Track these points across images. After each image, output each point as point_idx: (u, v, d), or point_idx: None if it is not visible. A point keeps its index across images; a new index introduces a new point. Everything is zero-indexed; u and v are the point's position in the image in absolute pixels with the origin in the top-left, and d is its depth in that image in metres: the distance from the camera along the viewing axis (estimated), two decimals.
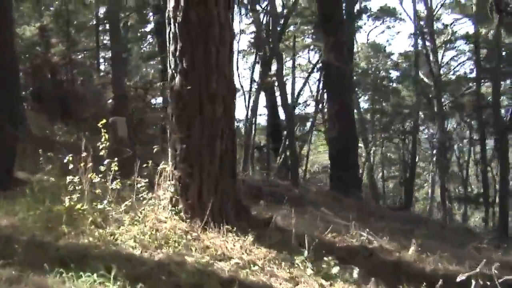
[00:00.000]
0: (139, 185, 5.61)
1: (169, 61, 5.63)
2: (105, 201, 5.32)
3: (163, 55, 17.47)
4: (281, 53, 16.21)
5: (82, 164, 5.42)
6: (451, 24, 24.47)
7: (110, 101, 17.17)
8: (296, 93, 20.87)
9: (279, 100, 18.22)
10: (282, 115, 18.89)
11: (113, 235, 5.08)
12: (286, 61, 22.78)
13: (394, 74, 25.79)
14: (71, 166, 5.44)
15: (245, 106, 19.66)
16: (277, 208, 8.20)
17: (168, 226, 5.31)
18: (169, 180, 5.74)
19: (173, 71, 5.56)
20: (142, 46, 21.77)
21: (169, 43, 5.61)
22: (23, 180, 8.35)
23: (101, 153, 5.49)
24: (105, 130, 5.51)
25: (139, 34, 21.31)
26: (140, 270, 4.45)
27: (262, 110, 24.45)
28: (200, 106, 5.48)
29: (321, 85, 19.81)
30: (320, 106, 19.63)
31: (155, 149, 6.12)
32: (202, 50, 5.43)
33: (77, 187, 5.40)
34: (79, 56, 20.85)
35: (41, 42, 17.75)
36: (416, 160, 26.65)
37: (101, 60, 21.61)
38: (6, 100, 8.43)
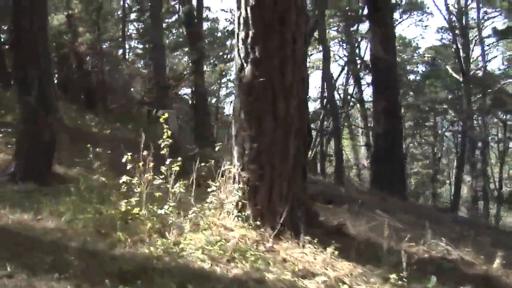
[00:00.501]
0: (209, 189, 4.94)
1: (238, 49, 4.93)
2: (166, 206, 4.64)
3: (193, 47, 16.97)
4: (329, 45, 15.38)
5: (141, 164, 4.75)
6: (482, 18, 23.41)
7: (141, 91, 16.64)
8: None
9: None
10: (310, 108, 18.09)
11: (177, 244, 4.42)
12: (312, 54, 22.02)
13: (420, 68, 24.83)
14: (129, 166, 4.76)
15: None
16: (331, 210, 7.53)
17: (237, 235, 4.65)
18: (235, 183, 5.06)
19: (243, 61, 4.87)
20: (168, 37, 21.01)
21: (238, 29, 4.92)
22: (61, 175, 7.74)
23: (163, 151, 4.77)
24: (166, 126, 4.81)
25: (165, 25, 20.60)
26: None
27: None
28: (273, 101, 4.79)
29: (350, 79, 19.09)
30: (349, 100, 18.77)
31: (217, 147, 5.41)
32: (278, 38, 4.74)
33: (135, 189, 4.73)
34: (104, 46, 20.27)
35: (69, 31, 17.13)
36: (440, 156, 25.88)
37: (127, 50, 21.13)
38: (41, 89, 7.83)
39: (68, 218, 5.19)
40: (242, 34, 4.85)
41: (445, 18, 22.98)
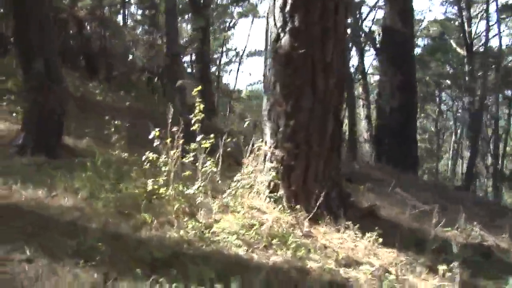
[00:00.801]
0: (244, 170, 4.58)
1: (274, 17, 4.49)
2: (195, 186, 4.28)
3: (199, 13, 16.28)
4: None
5: (169, 140, 4.36)
6: None
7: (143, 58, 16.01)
8: None
9: None
10: None
11: (209, 228, 4.08)
12: None
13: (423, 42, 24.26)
14: (156, 143, 4.35)
15: None
16: (352, 189, 7.22)
17: (270, 217, 4.30)
18: (266, 161, 4.70)
19: (280, 30, 4.44)
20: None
21: None
22: (70, 146, 7.33)
23: (194, 127, 4.37)
24: (200, 99, 4.37)
25: None
26: (257, 279, 3.50)
27: None
28: (312, 75, 4.39)
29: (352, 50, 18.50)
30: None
31: (247, 123, 5.01)
32: (320, 6, 4.30)
33: (162, 167, 4.35)
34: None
35: None
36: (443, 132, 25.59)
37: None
38: (47, 56, 7.37)
39: (85, 196, 4.84)
40: (279, 1, 4.40)
41: None
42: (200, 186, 4.26)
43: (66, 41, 16.24)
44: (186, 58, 19.30)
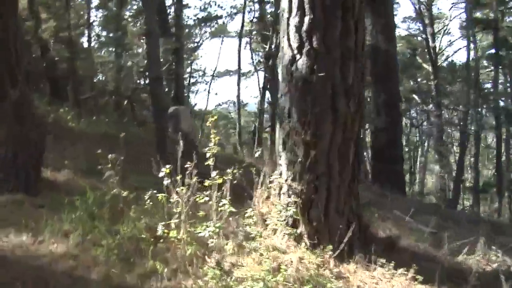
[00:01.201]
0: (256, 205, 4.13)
1: (288, 37, 4.10)
2: (210, 228, 3.77)
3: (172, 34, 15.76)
4: None
5: (179, 177, 3.84)
6: (450, 9, 23.32)
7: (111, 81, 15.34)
8: None
9: None
10: None
11: (229, 274, 3.60)
12: None
13: None
14: (166, 181, 3.82)
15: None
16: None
17: (294, 258, 3.86)
18: (281, 194, 4.27)
19: (296, 51, 4.04)
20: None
21: (290, 14, 4.09)
22: (49, 180, 6.67)
23: (208, 161, 3.87)
24: (213, 131, 3.88)
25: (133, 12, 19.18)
26: None
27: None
28: (333, 100, 4.00)
29: None
30: None
31: (257, 153, 4.55)
32: (340, 26, 3.94)
33: (175, 208, 3.82)
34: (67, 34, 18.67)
35: (32, 17, 15.56)
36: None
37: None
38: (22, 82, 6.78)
39: (77, 240, 4.27)
40: (295, 20, 4.02)
41: (414, 7, 22.65)
42: (216, 227, 3.76)
43: (30, 64, 15.42)
44: None
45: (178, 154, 4.17)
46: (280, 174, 4.28)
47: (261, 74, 18.75)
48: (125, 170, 5.34)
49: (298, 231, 4.14)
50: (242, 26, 16.67)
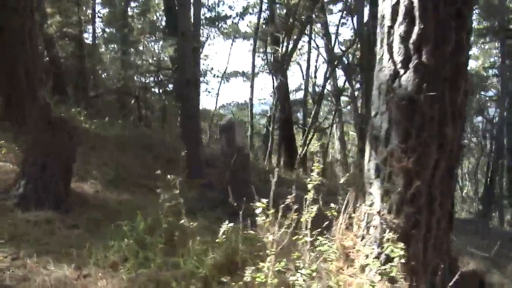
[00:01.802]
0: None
1: (390, 49, 3.50)
2: (303, 271, 3.15)
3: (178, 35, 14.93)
4: None
5: (271, 212, 3.19)
6: None
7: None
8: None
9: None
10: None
11: None
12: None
13: None
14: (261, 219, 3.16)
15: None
16: None
17: None
18: (369, 226, 3.67)
19: (399, 65, 3.45)
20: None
21: (393, 21, 3.48)
22: (79, 193, 5.97)
23: (309, 194, 3.25)
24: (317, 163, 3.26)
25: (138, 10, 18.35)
26: None
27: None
28: (440, 124, 3.42)
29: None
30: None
31: (343, 179, 3.93)
32: (453, 38, 3.35)
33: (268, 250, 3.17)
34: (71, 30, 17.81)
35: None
36: None
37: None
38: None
39: (128, 274, 3.64)
40: (400, 30, 3.42)
41: None
42: (311, 271, 3.14)
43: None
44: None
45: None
46: (370, 204, 3.68)
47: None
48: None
49: (393, 270, 3.54)
50: (258, 27, 15.98)
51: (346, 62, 17.26)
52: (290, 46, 16.37)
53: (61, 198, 5.25)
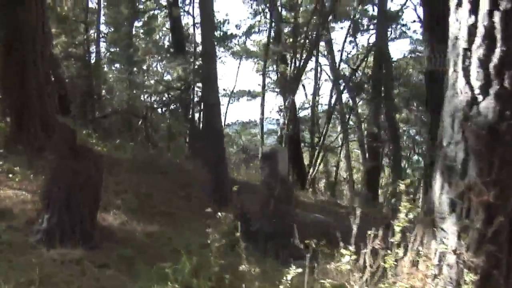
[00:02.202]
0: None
1: (467, 73, 3.18)
2: None
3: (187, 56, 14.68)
4: None
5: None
6: None
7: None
8: None
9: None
10: None
11: None
12: None
13: None
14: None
15: None
16: None
17: None
18: (446, 266, 3.31)
19: (476, 91, 3.13)
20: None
21: (470, 43, 3.16)
22: (103, 225, 5.56)
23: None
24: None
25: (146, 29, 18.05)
26: None
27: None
28: None
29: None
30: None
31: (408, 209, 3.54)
32: None
33: None
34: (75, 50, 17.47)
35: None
36: None
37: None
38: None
39: None
40: (479, 52, 3.10)
41: None
42: None
43: None
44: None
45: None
46: (443, 241, 3.32)
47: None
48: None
49: None
50: (268, 46, 15.71)
51: (350, 80, 17.04)
52: (297, 64, 16.12)
53: (88, 232, 4.86)
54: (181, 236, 5.42)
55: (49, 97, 8.80)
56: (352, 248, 2.72)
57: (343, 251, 2.69)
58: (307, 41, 15.70)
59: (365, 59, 16.09)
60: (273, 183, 5.54)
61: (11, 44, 8.12)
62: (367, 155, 17.00)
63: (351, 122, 18.72)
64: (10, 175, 6.84)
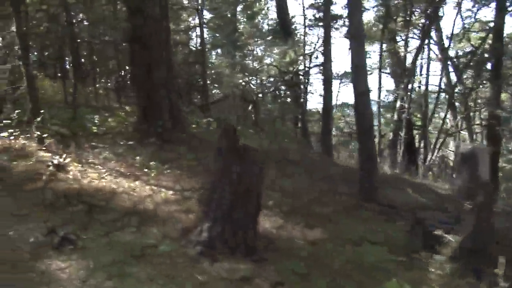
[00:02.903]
0: None
1: None
2: None
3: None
4: None
5: None
6: None
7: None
8: None
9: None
10: None
11: None
12: None
13: None
14: None
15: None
16: None
17: None
18: None
19: None
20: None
21: None
22: (264, 234, 4.77)
23: None
24: None
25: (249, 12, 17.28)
26: None
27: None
28: None
29: None
30: None
31: None
32: None
33: None
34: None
35: None
36: None
37: None
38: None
39: None
40: None
41: None
42: None
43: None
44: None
45: None
46: None
47: None
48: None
49: None
50: (384, 26, 14.32)
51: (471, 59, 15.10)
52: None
53: (253, 243, 4.13)
54: (345, 243, 4.60)
55: (174, 87, 8.33)
56: None
57: None
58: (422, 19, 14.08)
59: (487, 36, 14.14)
60: (472, 188, 4.48)
61: (140, 37, 7.70)
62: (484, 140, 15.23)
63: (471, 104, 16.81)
64: (145, 170, 6.36)
